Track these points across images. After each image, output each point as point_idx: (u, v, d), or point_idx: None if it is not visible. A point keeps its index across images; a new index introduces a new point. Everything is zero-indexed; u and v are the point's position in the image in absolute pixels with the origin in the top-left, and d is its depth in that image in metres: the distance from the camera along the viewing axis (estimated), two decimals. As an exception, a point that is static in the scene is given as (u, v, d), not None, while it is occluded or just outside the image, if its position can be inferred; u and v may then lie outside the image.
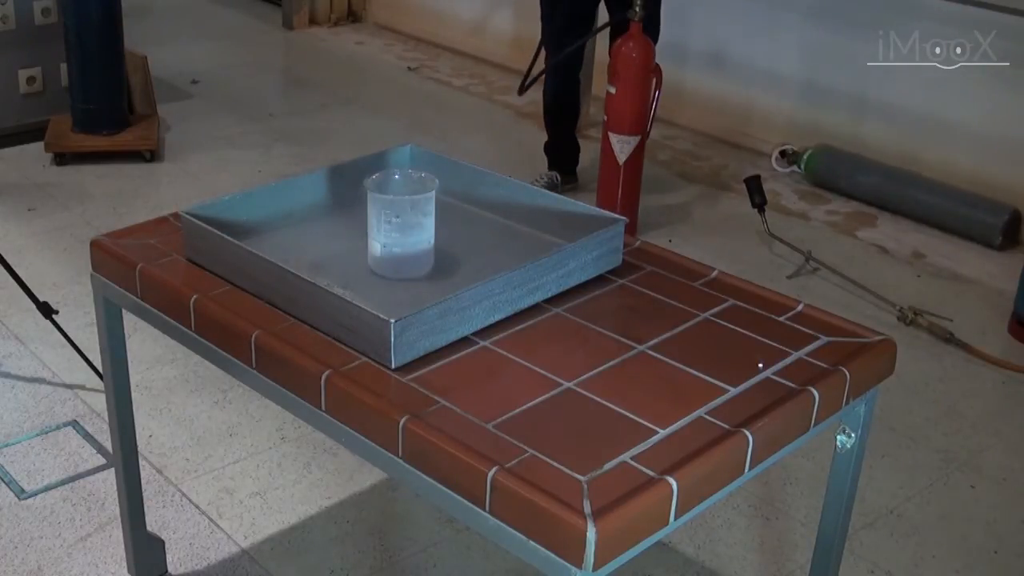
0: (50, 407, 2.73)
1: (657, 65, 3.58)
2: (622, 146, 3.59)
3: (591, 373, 1.53)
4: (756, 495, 2.49)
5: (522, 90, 3.83)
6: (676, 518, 1.33)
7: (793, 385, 1.52)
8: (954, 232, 3.87)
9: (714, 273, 1.82)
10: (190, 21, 6.26)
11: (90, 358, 2.76)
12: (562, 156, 4.09)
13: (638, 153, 3.61)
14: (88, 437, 2.61)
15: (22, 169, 4.12)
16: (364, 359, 1.54)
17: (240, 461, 2.56)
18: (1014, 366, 3.06)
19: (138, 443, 2.12)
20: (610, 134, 3.59)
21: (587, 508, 1.24)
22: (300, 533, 2.34)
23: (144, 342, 2.84)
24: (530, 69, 3.79)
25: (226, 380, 2.72)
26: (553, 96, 3.98)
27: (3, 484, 2.45)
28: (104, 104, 4.15)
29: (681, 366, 1.56)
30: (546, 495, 1.27)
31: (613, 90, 3.56)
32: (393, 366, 1.51)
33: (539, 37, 3.89)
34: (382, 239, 1.73)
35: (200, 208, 1.82)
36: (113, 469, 2.13)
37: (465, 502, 1.35)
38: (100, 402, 2.68)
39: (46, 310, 2.77)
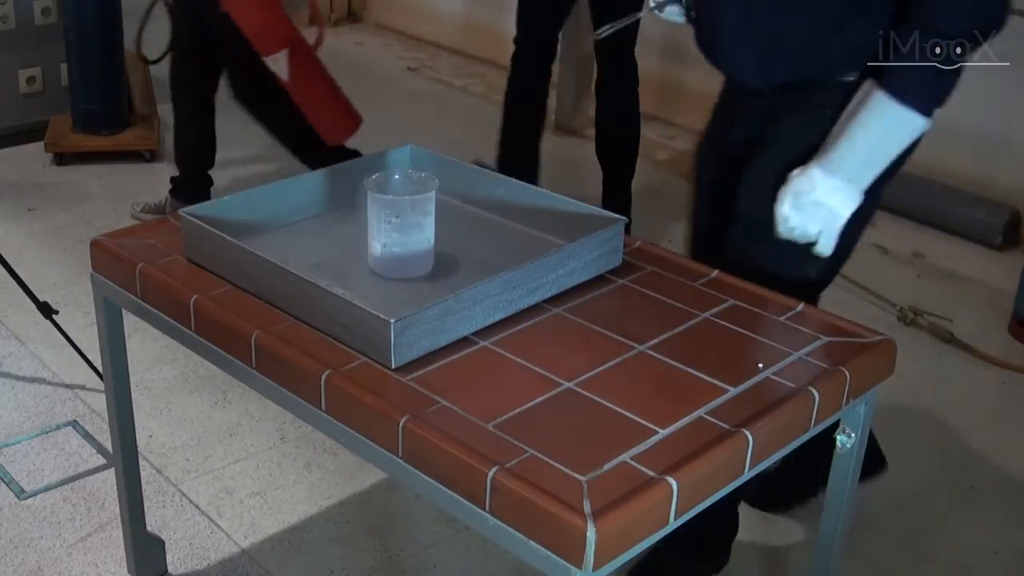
0: (50, 407, 2.73)
1: None
2: (277, 65, 3.28)
3: (591, 373, 1.53)
4: (756, 495, 2.49)
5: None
6: (676, 518, 1.33)
7: (793, 385, 1.52)
8: (954, 232, 3.87)
9: (714, 273, 1.81)
10: (190, 21, 6.25)
11: (90, 358, 2.76)
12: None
13: (303, 58, 3.33)
14: (88, 437, 2.61)
15: (22, 169, 4.12)
16: (364, 359, 1.54)
17: (240, 461, 2.56)
18: (1014, 366, 3.06)
19: (138, 443, 2.12)
20: (265, 60, 3.29)
21: (587, 508, 1.24)
22: (300, 533, 2.34)
23: (144, 342, 2.84)
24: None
25: (226, 380, 2.72)
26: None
27: (3, 484, 2.45)
28: (104, 104, 4.15)
29: (681, 366, 1.56)
30: (546, 495, 1.27)
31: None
32: (393, 366, 1.51)
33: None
34: (382, 239, 1.73)
35: (200, 208, 1.82)
36: (113, 469, 2.13)
37: (465, 502, 1.35)
38: (100, 402, 2.68)
39: (46, 310, 2.77)
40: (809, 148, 1.81)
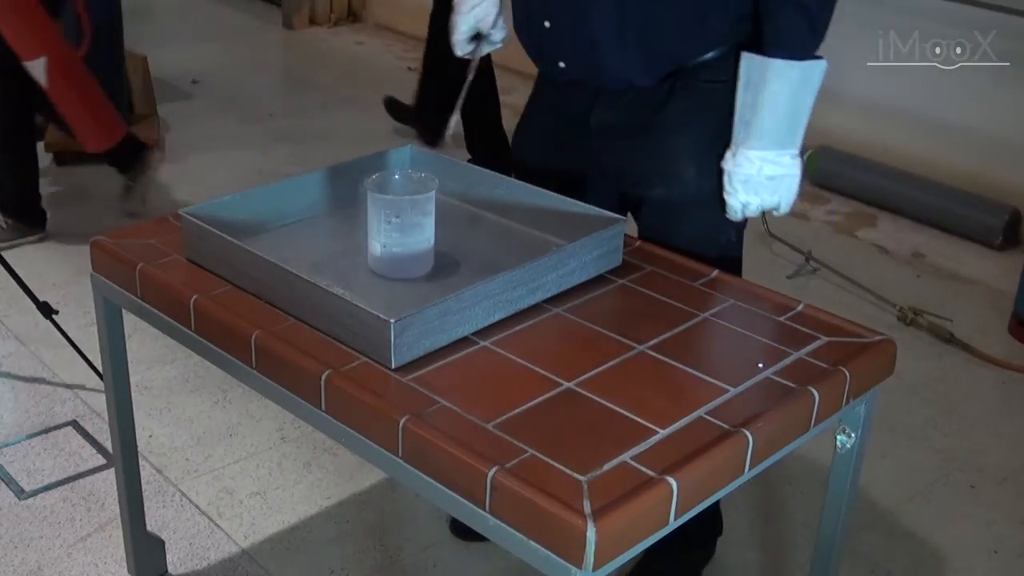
0: (50, 407, 2.73)
1: None
2: (35, 71, 3.31)
3: (591, 373, 1.53)
4: (756, 495, 2.49)
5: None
6: (676, 518, 1.33)
7: (793, 385, 1.52)
8: (954, 232, 3.87)
9: (714, 273, 1.82)
10: (190, 21, 6.26)
11: (90, 358, 2.76)
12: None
13: (65, 67, 3.36)
14: (88, 437, 2.61)
15: (22, 169, 4.11)
16: (364, 359, 1.54)
17: (240, 461, 2.56)
18: (1014, 366, 3.06)
19: (138, 443, 2.12)
20: (24, 65, 3.32)
21: (587, 508, 1.24)
22: (300, 533, 2.34)
23: (144, 342, 2.84)
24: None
25: (226, 380, 2.72)
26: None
27: (3, 484, 2.45)
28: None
29: (681, 366, 1.56)
30: (546, 495, 1.27)
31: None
32: (393, 366, 1.51)
33: None
34: (382, 239, 1.73)
35: (200, 208, 1.82)
36: (113, 469, 2.13)
37: (465, 502, 1.35)
38: (100, 402, 2.68)
39: (46, 310, 2.77)
40: (708, 125, 1.88)
